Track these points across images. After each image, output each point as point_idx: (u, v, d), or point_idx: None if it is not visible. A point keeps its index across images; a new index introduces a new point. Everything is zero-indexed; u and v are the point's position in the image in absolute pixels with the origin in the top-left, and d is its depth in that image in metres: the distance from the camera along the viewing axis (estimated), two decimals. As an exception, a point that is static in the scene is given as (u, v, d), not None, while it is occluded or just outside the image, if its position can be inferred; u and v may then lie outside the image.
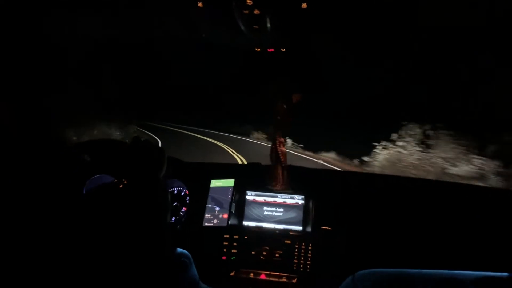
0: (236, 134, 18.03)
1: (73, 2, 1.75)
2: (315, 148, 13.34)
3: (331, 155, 12.58)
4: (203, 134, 16.89)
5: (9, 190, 1.57)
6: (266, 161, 2.07)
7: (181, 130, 18.21)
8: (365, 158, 10.47)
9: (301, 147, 13.95)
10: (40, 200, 1.64)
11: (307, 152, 13.31)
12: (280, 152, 1.86)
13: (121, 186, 1.26)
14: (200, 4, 1.26)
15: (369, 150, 10.49)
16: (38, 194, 1.65)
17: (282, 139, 1.87)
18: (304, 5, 1.21)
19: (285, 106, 1.84)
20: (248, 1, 1.19)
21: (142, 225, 1.18)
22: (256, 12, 1.24)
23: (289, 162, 1.99)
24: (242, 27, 1.37)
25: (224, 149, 12.94)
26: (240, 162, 9.75)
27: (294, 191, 1.93)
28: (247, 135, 17.91)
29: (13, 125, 1.69)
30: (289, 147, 13.43)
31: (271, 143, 1.93)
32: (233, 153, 11.89)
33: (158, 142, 13.05)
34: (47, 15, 1.87)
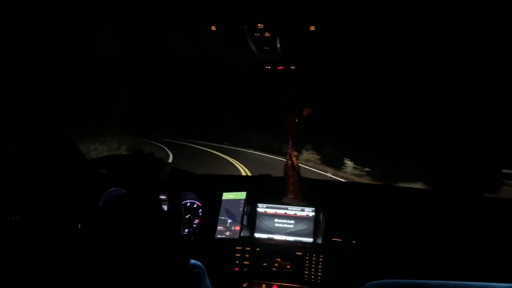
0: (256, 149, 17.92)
1: (90, 20, 1.84)
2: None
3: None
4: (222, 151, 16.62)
5: (27, 199, 1.65)
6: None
7: (200, 147, 18.17)
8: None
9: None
10: (56, 210, 1.72)
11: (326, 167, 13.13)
12: (295, 165, 1.91)
13: (126, 196, 1.32)
14: (213, 28, 1.33)
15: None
16: (55, 205, 1.72)
17: (295, 152, 1.91)
18: (312, 28, 1.27)
19: (297, 120, 1.89)
20: (259, 24, 1.26)
21: (148, 234, 1.23)
22: (267, 34, 1.30)
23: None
24: (253, 48, 1.44)
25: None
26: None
27: (307, 203, 1.97)
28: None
29: (31, 138, 1.77)
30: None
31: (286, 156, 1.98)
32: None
33: (169, 156, 13.38)
34: (67, 32, 1.96)
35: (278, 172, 2.13)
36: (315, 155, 13.78)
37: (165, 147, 15.55)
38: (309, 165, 12.93)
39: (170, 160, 12.78)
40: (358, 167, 11.78)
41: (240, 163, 12.34)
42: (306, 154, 13.65)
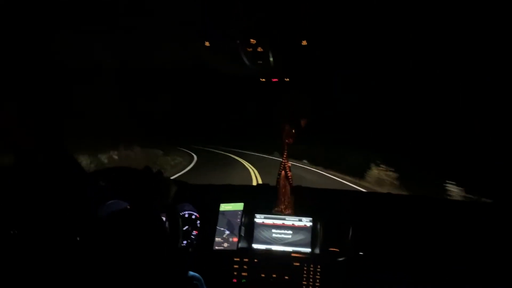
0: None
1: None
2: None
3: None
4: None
5: (25, 212, 1.65)
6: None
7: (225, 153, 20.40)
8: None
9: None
10: (53, 221, 1.72)
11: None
12: (289, 176, 1.92)
13: (130, 213, 1.34)
14: (207, 44, 1.36)
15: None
16: (51, 215, 1.73)
17: (289, 163, 1.93)
18: (304, 42, 1.30)
19: (293, 131, 1.91)
20: (252, 40, 1.28)
21: (148, 247, 1.24)
22: (259, 49, 1.33)
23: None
24: (247, 62, 1.46)
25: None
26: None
27: (300, 214, 1.98)
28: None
29: (30, 148, 1.78)
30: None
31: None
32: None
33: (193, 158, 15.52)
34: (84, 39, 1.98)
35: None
36: (389, 173, 10.78)
37: (191, 152, 18.41)
38: (385, 189, 9.26)
39: (194, 162, 14.81)
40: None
41: (254, 166, 13.59)
42: (375, 171, 11.23)
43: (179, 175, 10.97)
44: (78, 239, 1.66)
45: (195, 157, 16.74)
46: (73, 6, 1.65)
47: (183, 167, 13.35)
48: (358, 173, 11.78)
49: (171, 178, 1.42)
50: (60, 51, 1.93)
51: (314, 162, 15.19)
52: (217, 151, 21.29)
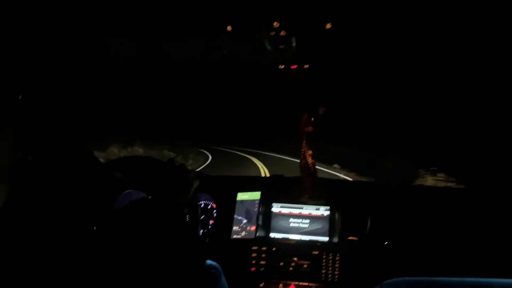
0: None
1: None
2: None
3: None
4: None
5: (36, 203, 1.66)
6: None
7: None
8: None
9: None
10: (67, 214, 1.73)
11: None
12: (310, 164, 1.91)
13: (152, 203, 1.34)
14: (229, 28, 1.34)
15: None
16: (65, 209, 1.74)
17: (310, 151, 1.91)
18: (328, 26, 1.28)
19: (312, 119, 1.89)
20: (275, 23, 1.27)
21: (169, 238, 1.24)
22: (282, 33, 1.31)
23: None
24: (268, 47, 1.45)
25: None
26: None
27: (318, 203, 1.97)
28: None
29: (45, 144, 1.79)
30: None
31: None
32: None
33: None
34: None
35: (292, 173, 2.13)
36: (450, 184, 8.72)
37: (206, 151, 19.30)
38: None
39: (208, 160, 15.67)
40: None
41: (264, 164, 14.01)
42: (431, 180, 9.20)
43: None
44: (94, 229, 1.68)
45: (210, 156, 17.66)
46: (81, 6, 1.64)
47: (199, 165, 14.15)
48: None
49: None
50: (68, 51, 1.93)
51: (347, 167, 12.75)
52: (229, 150, 21.86)
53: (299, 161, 1.96)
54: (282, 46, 1.41)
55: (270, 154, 18.93)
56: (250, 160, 15.96)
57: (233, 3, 1.33)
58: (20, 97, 1.27)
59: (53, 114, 1.91)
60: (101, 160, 1.93)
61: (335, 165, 13.45)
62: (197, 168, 12.91)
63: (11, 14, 1.47)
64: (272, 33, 1.32)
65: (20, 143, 1.60)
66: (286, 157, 16.28)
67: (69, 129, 1.94)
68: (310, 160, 1.90)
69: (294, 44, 1.41)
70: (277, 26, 1.28)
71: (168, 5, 1.57)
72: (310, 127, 1.87)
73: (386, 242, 1.84)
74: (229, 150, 21.18)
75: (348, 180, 2.24)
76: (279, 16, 1.28)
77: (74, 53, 2.03)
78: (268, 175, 10.65)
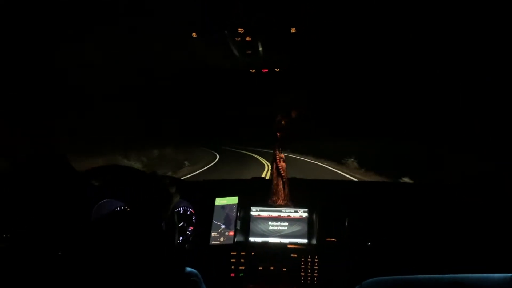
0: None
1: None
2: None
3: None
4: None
5: (18, 215, 1.63)
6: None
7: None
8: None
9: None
10: (47, 220, 1.70)
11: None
12: (280, 167, 1.90)
13: (128, 212, 1.32)
14: (194, 34, 1.33)
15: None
16: (46, 215, 1.71)
17: (282, 155, 1.91)
18: (293, 30, 1.27)
19: (283, 122, 1.89)
20: (240, 29, 1.26)
21: (146, 246, 1.23)
22: (248, 38, 1.30)
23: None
24: (236, 53, 1.44)
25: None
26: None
27: (295, 205, 1.97)
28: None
29: (23, 152, 1.75)
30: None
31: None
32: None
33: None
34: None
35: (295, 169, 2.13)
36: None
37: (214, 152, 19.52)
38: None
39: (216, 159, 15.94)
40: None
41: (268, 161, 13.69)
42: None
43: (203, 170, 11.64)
44: (71, 237, 1.65)
45: (218, 156, 17.94)
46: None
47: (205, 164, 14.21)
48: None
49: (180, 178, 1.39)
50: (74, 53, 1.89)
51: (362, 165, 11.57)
52: (237, 150, 22.03)
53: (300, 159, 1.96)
54: (249, 52, 1.40)
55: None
56: (256, 159, 16.06)
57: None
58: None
59: (31, 118, 1.88)
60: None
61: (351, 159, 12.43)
62: (206, 166, 13.19)
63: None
64: (238, 39, 1.32)
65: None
66: (297, 156, 16.44)
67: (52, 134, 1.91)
68: (281, 163, 1.89)
69: (261, 48, 1.40)
70: (242, 31, 1.27)
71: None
72: (282, 131, 1.87)
73: (369, 243, 1.85)
74: (237, 150, 21.38)
75: (326, 180, 2.24)
76: (246, 19, 1.27)
77: (70, 55, 1.97)
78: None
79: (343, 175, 10.61)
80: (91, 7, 1.50)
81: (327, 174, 10.69)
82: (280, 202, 1.96)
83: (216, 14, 1.26)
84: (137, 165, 11.77)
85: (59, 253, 1.44)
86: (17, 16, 1.50)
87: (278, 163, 1.89)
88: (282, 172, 1.90)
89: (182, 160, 14.23)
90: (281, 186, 1.93)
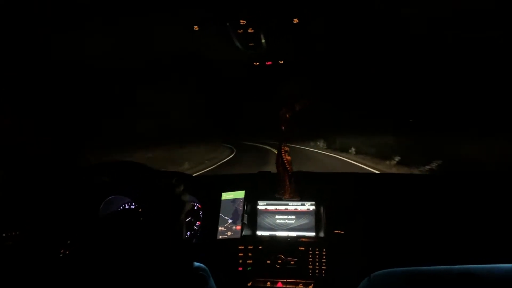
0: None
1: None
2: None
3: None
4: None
5: (26, 213, 1.64)
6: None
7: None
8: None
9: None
10: (55, 216, 1.71)
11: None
12: (285, 161, 1.89)
13: (140, 212, 1.32)
14: (196, 28, 1.32)
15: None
16: (53, 211, 1.72)
17: (287, 148, 1.89)
18: (295, 20, 1.25)
19: (287, 115, 1.87)
20: (241, 21, 1.24)
21: (155, 243, 1.23)
22: (250, 30, 1.29)
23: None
24: (238, 45, 1.42)
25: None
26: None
27: (302, 198, 1.96)
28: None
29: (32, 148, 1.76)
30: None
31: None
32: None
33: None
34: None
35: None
36: None
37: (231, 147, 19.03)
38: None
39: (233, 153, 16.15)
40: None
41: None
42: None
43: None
44: (78, 234, 1.66)
45: (234, 150, 17.95)
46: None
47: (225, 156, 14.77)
48: None
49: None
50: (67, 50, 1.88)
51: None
52: (253, 144, 22.28)
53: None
54: (252, 44, 1.39)
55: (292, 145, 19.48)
56: (272, 151, 16.30)
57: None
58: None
59: (47, 114, 1.88)
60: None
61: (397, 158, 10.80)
62: (225, 159, 13.54)
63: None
64: (241, 31, 1.30)
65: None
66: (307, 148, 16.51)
67: (67, 130, 1.91)
68: (286, 156, 1.88)
69: (264, 40, 1.38)
70: (244, 23, 1.26)
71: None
72: (286, 124, 1.85)
73: (380, 236, 1.83)
74: (254, 144, 21.68)
75: (332, 172, 2.24)
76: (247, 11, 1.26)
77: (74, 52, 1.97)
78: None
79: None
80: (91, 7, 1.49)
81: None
82: (286, 195, 1.95)
83: (217, 6, 1.24)
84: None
85: (68, 242, 1.44)
86: (27, 16, 1.49)
87: (284, 156, 1.88)
88: (287, 165, 1.89)
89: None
90: (287, 180, 1.92)
